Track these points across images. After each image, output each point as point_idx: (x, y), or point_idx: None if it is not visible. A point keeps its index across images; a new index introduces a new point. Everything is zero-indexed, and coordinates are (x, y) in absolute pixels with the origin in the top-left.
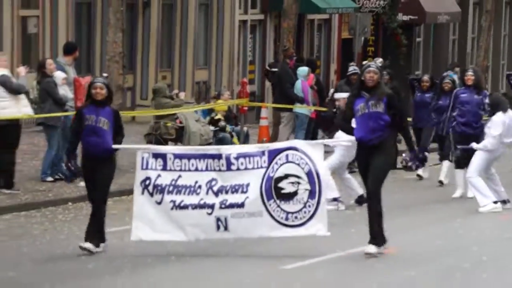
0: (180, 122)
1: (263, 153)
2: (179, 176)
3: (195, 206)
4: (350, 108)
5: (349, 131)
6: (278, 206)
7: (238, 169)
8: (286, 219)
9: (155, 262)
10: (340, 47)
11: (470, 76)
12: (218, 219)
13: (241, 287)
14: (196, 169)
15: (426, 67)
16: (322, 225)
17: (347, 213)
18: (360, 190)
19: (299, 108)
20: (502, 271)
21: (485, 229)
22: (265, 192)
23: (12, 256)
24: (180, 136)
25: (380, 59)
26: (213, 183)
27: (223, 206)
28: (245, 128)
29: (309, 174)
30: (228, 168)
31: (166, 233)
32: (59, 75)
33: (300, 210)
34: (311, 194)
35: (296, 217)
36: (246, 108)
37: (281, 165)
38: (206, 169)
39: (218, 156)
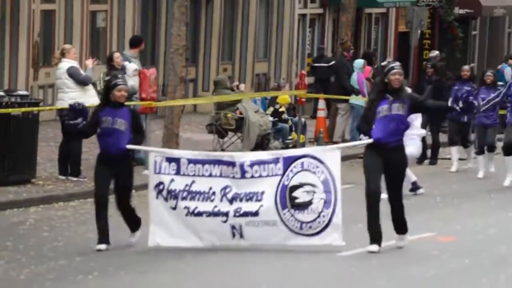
0: (240, 113)
1: (277, 160)
2: (193, 182)
3: (210, 214)
4: (373, 111)
5: (368, 133)
6: (292, 215)
7: (252, 176)
8: (301, 228)
9: (215, 249)
10: (397, 40)
11: None
12: (233, 227)
13: (299, 273)
14: (210, 175)
15: (481, 60)
16: (337, 235)
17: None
18: (413, 177)
19: (355, 100)
20: None
21: None
22: (279, 201)
23: (78, 241)
24: (239, 126)
25: (437, 52)
26: (228, 190)
27: (237, 214)
28: (302, 119)
29: (324, 182)
30: (243, 176)
31: (183, 238)
32: (130, 67)
33: (314, 220)
34: (326, 203)
35: (310, 227)
36: (304, 99)
37: (296, 173)
38: (220, 176)
39: (232, 164)
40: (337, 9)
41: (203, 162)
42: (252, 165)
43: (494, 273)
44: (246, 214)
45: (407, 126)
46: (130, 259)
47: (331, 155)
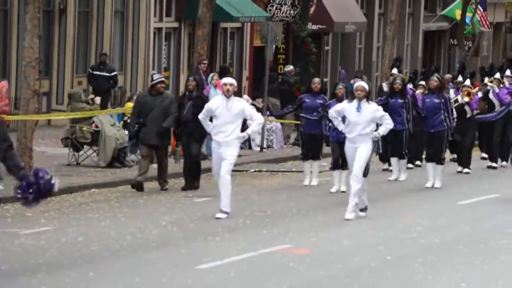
0: (96, 126)
1: None
2: None
3: None
4: None
5: None
6: None
7: None
8: None
9: (70, 264)
10: (252, 54)
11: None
12: None
13: (159, 286)
14: None
15: (334, 74)
16: None
17: (259, 215)
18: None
19: None
20: (404, 270)
21: (389, 229)
22: None
23: None
24: (95, 139)
25: (291, 67)
26: None
27: None
28: None
29: None
30: None
31: None
32: None
33: None
34: None
35: None
36: None
37: None
38: None
39: None
40: (192, 23)
41: None
42: None
43: (347, 283)
44: None
45: None
46: None
47: None
